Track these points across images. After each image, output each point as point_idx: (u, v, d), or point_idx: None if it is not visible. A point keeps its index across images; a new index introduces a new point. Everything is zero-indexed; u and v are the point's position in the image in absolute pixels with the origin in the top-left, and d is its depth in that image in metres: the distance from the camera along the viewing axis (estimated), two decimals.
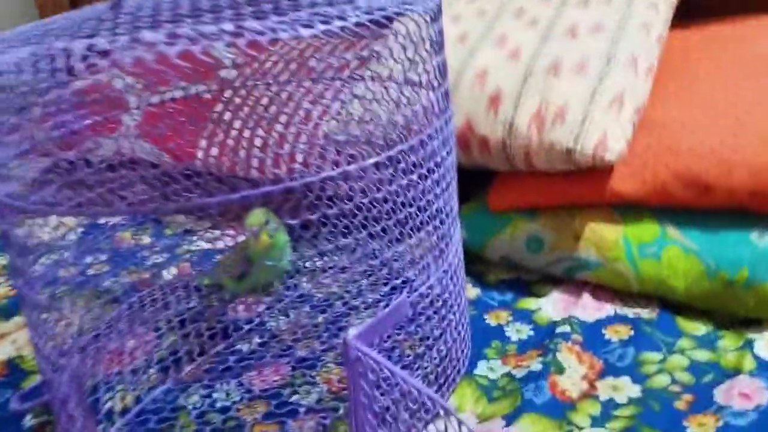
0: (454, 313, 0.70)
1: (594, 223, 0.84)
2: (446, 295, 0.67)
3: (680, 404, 0.68)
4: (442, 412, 0.51)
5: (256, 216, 0.73)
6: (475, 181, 0.98)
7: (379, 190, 0.62)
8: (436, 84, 0.61)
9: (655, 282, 0.80)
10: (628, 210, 0.84)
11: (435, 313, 0.68)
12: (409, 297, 0.60)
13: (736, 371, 0.71)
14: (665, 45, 0.96)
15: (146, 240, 1.04)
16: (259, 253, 0.74)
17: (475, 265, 0.92)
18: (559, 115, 0.83)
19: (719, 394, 0.68)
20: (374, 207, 0.66)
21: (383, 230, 0.75)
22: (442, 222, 0.67)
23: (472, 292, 0.87)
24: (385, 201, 0.68)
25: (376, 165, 0.57)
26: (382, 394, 0.59)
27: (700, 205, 0.81)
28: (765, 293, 0.75)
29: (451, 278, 0.69)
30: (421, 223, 0.65)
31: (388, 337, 0.76)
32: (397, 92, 0.67)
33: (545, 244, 0.86)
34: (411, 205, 0.63)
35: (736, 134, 0.81)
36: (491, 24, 0.96)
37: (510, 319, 0.82)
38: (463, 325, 0.73)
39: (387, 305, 0.69)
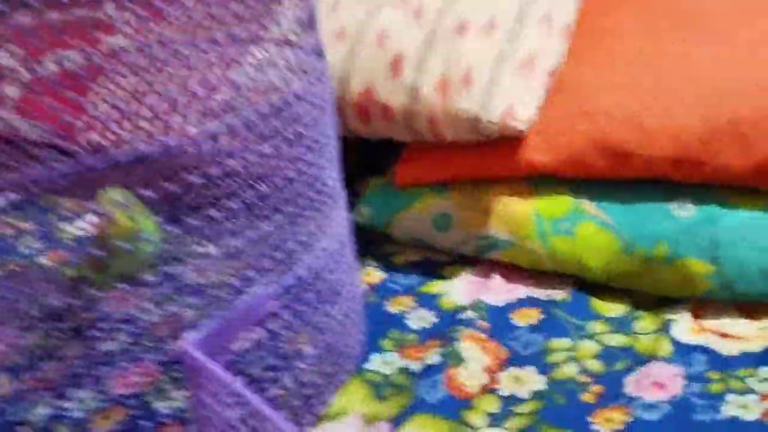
0: (337, 302, 0.62)
1: (505, 198, 0.77)
2: (324, 281, 0.60)
3: (587, 397, 0.61)
4: None
5: (110, 195, 0.64)
6: (381, 155, 0.91)
7: (228, 158, 0.54)
8: (294, 39, 0.53)
9: (569, 260, 0.74)
10: (541, 183, 0.77)
11: (316, 302, 0.61)
12: (268, 292, 0.53)
13: (651, 357, 0.64)
14: (584, 1, 0.89)
15: (26, 226, 0.95)
16: (116, 237, 0.66)
17: (384, 246, 0.85)
18: (465, 80, 0.75)
19: (630, 384, 0.62)
20: (227, 180, 0.58)
21: (248, 206, 0.67)
22: (318, 192, 0.60)
23: (376, 276, 0.80)
24: (238, 175, 0.60)
25: (215, 135, 0.49)
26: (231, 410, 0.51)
27: (619, 175, 0.74)
28: (685, 270, 0.69)
29: (335, 262, 0.61)
30: (289, 199, 0.57)
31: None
32: (238, 51, 0.59)
33: (454, 222, 0.79)
34: (270, 177, 0.56)
35: (658, 97, 0.74)
36: None
37: (413, 305, 0.74)
38: (350, 315, 0.65)
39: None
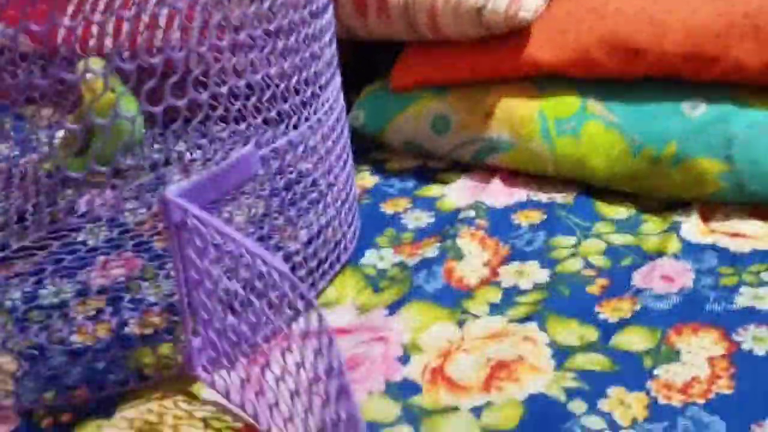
0: (329, 191, 0.59)
1: (507, 98, 0.73)
2: (317, 153, 0.56)
3: (593, 289, 0.58)
4: (300, 304, 0.40)
5: (89, 64, 0.59)
6: (379, 63, 0.86)
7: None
8: None
9: (574, 162, 0.70)
10: (546, 82, 0.73)
11: (312, 194, 0.57)
12: (260, 150, 0.49)
13: (659, 254, 0.61)
14: None
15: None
16: (94, 111, 0.61)
17: (376, 152, 0.81)
18: None
19: (638, 277, 0.59)
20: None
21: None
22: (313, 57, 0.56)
23: (370, 180, 0.76)
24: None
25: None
26: (227, 274, 0.47)
27: (628, 73, 0.70)
28: (695, 170, 0.66)
29: (329, 138, 0.58)
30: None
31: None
32: None
33: (453, 124, 0.75)
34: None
35: None
36: None
37: (409, 206, 0.71)
38: (344, 203, 0.61)
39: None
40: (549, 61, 0.72)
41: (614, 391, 0.49)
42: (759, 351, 0.51)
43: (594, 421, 0.47)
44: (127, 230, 0.69)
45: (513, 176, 0.74)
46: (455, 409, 0.49)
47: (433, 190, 0.73)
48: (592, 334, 0.54)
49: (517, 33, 0.73)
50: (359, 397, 0.50)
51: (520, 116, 0.73)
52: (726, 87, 0.68)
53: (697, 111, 0.68)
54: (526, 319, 0.55)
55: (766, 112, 0.66)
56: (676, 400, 0.48)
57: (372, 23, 0.77)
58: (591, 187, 0.71)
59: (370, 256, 0.64)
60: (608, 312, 0.56)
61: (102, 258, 0.65)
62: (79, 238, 0.68)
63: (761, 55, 0.66)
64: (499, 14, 0.69)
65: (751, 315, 0.54)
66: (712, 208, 0.67)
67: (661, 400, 0.48)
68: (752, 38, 0.67)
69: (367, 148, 0.81)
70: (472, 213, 0.68)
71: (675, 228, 0.64)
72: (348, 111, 0.82)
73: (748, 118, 0.66)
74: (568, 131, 0.71)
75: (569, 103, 0.72)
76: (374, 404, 0.49)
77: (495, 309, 0.57)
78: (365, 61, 0.87)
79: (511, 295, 0.58)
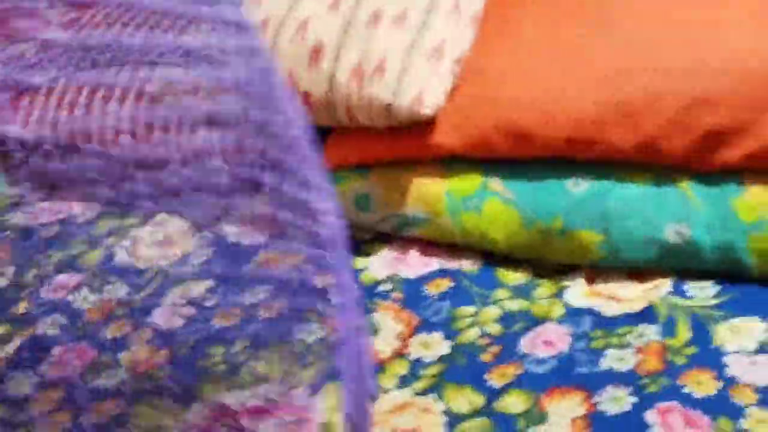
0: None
1: (419, 179, 0.84)
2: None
3: (486, 356, 0.69)
4: None
5: None
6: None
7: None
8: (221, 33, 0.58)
9: (477, 234, 0.81)
10: (451, 163, 0.84)
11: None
12: None
13: (545, 319, 0.72)
14: None
15: None
16: None
17: None
18: (378, 68, 0.81)
19: (525, 343, 0.70)
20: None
21: None
22: None
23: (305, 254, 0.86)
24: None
25: None
26: None
27: (521, 155, 0.81)
28: (578, 240, 0.77)
29: None
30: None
31: None
32: None
33: (373, 202, 0.86)
34: None
35: (556, 81, 0.81)
36: None
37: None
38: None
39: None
40: (453, 145, 0.82)
41: None
42: (612, 411, 0.62)
43: None
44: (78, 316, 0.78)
45: (428, 246, 0.84)
46: None
47: (359, 262, 0.84)
48: (480, 399, 0.64)
49: (427, 122, 0.83)
50: None
51: (430, 194, 0.83)
52: (604, 165, 0.79)
53: (578, 188, 0.79)
54: (428, 390, 0.66)
55: (638, 187, 0.77)
56: None
57: None
58: (494, 255, 0.82)
59: (299, 332, 0.74)
60: (495, 378, 0.67)
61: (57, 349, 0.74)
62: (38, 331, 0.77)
63: (631, 137, 0.77)
64: (404, 111, 0.80)
65: (611, 376, 0.65)
66: (597, 272, 0.78)
67: None
68: (624, 123, 0.77)
69: None
70: (390, 286, 0.78)
71: (561, 292, 0.75)
72: None
73: (623, 192, 0.77)
74: (472, 207, 0.81)
75: (472, 181, 0.82)
76: None
77: (402, 382, 0.67)
78: None
79: (416, 367, 0.69)
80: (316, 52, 0.84)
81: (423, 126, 0.83)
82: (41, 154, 1.03)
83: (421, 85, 0.80)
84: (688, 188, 0.76)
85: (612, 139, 0.78)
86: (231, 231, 0.91)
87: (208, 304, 0.79)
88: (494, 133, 0.81)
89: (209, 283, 0.83)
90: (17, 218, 0.99)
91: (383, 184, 0.86)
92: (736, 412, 0.60)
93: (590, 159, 0.79)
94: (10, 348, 0.75)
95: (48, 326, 0.78)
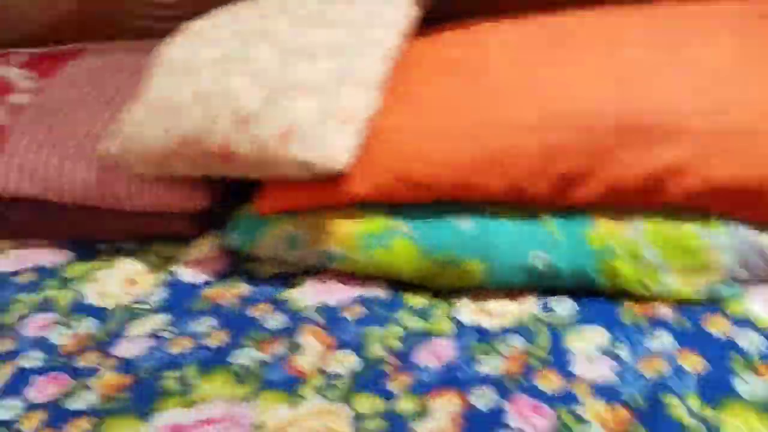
0: None
1: (338, 221, 1.01)
2: None
3: (388, 368, 0.87)
4: None
5: None
6: (250, 190, 1.13)
7: None
8: None
9: (386, 267, 0.99)
10: (364, 207, 1.01)
11: None
12: None
13: (439, 335, 0.90)
14: (404, 56, 1.13)
15: None
16: None
17: (250, 263, 1.08)
18: (296, 132, 0.98)
19: (418, 356, 0.87)
20: None
21: None
22: None
23: (245, 288, 1.03)
24: None
25: None
26: None
27: (418, 200, 0.99)
28: (466, 269, 0.95)
29: None
30: None
31: None
32: None
33: (301, 241, 1.03)
34: None
35: (442, 137, 0.99)
36: (244, 46, 1.09)
37: (270, 310, 0.98)
38: None
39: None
40: (363, 193, 1.00)
41: None
42: (481, 406, 0.79)
43: None
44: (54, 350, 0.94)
45: (347, 277, 1.02)
46: None
47: (289, 293, 1.01)
48: (380, 403, 0.82)
49: (341, 174, 1.00)
50: None
51: (347, 235, 1.00)
52: (483, 205, 0.97)
53: (465, 225, 0.97)
54: (340, 398, 0.83)
55: (510, 223, 0.96)
56: None
57: (234, 169, 1.03)
58: (400, 283, 0.99)
59: (238, 356, 0.91)
60: (394, 384, 0.84)
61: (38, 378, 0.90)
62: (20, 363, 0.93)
63: (501, 183, 0.95)
64: (319, 167, 0.97)
65: (484, 379, 0.82)
66: (481, 293, 0.96)
67: None
68: (493, 172, 0.95)
69: (242, 262, 1.08)
70: (314, 314, 0.95)
71: (453, 312, 0.93)
72: (222, 227, 1.09)
73: (499, 228, 0.95)
74: (381, 245, 0.98)
75: (381, 222, 1.00)
76: None
77: (319, 391, 0.84)
78: (235, 191, 1.14)
79: (331, 379, 0.86)
80: (244, 120, 1.01)
81: (338, 178, 1.01)
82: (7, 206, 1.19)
83: (332, 146, 0.97)
84: (549, 222, 0.95)
85: (486, 184, 0.96)
86: (183, 271, 1.07)
87: (164, 335, 0.96)
88: (394, 182, 0.99)
89: (165, 316, 0.99)
90: None
91: (309, 226, 1.03)
92: (573, 401, 0.79)
93: (472, 200, 0.98)
94: (0, 380, 0.91)
95: (30, 359, 0.94)
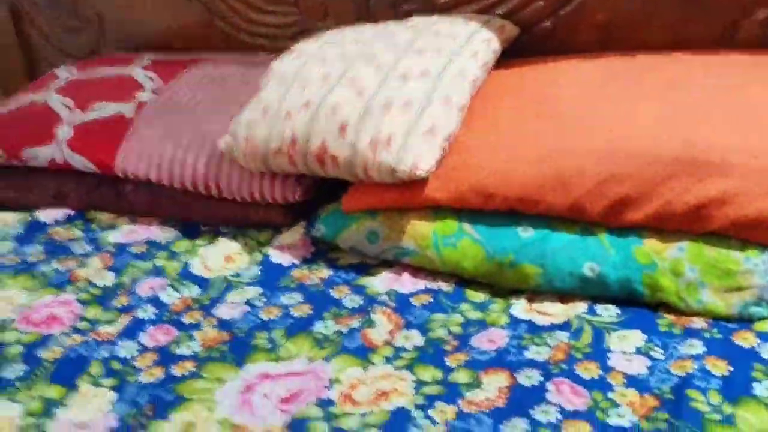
0: None
1: (414, 221, 1.17)
2: None
3: (447, 347, 1.01)
4: None
5: None
6: (336, 189, 1.30)
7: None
8: None
9: (453, 264, 1.14)
10: (438, 211, 1.17)
11: None
12: None
13: (493, 325, 1.04)
14: (485, 84, 1.29)
15: (77, 234, 1.35)
16: None
17: (332, 252, 1.24)
18: (388, 142, 1.15)
19: (474, 340, 1.02)
20: None
21: None
22: None
23: (327, 273, 1.20)
24: None
25: None
26: None
27: (486, 207, 1.14)
28: (523, 272, 1.09)
29: None
30: None
31: None
32: None
33: (380, 237, 1.19)
34: None
35: (514, 156, 1.14)
36: (347, 65, 1.27)
37: (348, 292, 1.14)
38: None
39: None
40: (440, 199, 1.16)
41: (441, 405, 0.91)
42: (527, 384, 0.93)
43: (425, 424, 0.89)
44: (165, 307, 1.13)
45: (417, 270, 1.17)
46: (352, 414, 0.91)
47: (365, 280, 1.17)
48: (439, 374, 0.96)
49: (421, 180, 1.16)
50: (303, 407, 0.92)
51: (421, 233, 1.16)
52: (544, 218, 1.11)
53: (526, 233, 1.11)
54: (404, 367, 0.98)
55: (568, 235, 1.10)
56: (474, 411, 0.90)
57: (328, 170, 1.21)
58: (465, 279, 1.14)
59: (318, 326, 1.07)
60: (452, 361, 0.99)
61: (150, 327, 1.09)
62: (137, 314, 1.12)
63: (564, 200, 1.10)
64: (405, 173, 1.13)
65: (531, 363, 0.96)
66: (535, 294, 1.10)
67: (464, 409, 0.90)
68: (558, 190, 1.10)
69: (325, 250, 1.24)
70: (386, 298, 1.11)
71: (509, 308, 1.07)
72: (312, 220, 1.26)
73: (557, 239, 1.10)
74: (450, 244, 1.14)
75: (452, 225, 1.15)
76: (309, 410, 0.92)
77: (388, 361, 0.99)
78: (325, 189, 1.31)
79: (399, 352, 1.01)
80: (343, 128, 1.18)
81: (419, 183, 1.16)
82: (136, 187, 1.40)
83: (417, 156, 1.14)
84: (603, 238, 1.09)
85: (550, 201, 1.10)
86: (274, 253, 1.25)
87: (257, 304, 1.13)
88: (469, 192, 1.14)
89: (258, 289, 1.16)
90: (114, 237, 1.34)
91: (387, 224, 1.19)
92: (608, 388, 0.92)
93: (535, 213, 1.12)
94: (119, 326, 1.09)
95: (144, 312, 1.12)
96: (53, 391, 0.99)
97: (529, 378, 0.95)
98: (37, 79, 1.65)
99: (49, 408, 0.96)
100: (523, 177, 1.12)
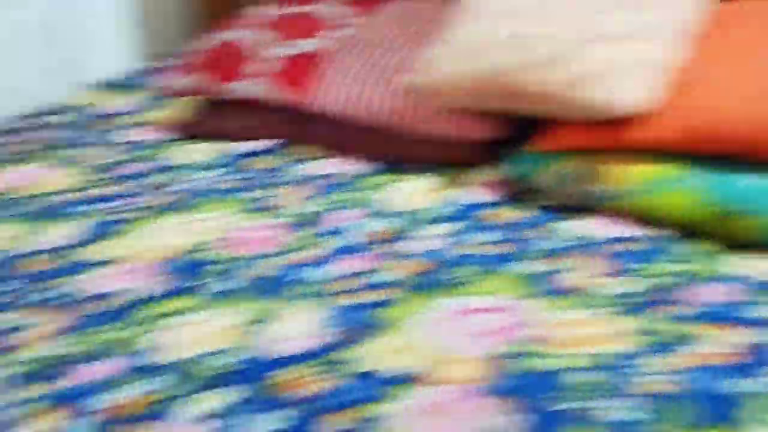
0: None
1: (619, 164, 1.11)
2: None
3: (647, 298, 0.96)
4: None
5: None
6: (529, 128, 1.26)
7: None
8: None
9: (662, 211, 1.07)
10: (647, 154, 1.10)
11: None
12: None
13: (704, 279, 0.98)
14: (713, 16, 1.19)
15: (276, 163, 1.40)
16: None
17: (526, 194, 1.21)
18: (594, 76, 1.09)
19: (679, 294, 0.96)
20: None
21: None
22: None
23: (518, 214, 1.17)
24: None
25: None
26: None
27: (708, 152, 1.06)
28: (744, 223, 1.01)
29: None
30: None
31: None
32: None
33: (579, 180, 1.14)
34: None
35: (746, 94, 1.04)
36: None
37: (542, 233, 1.11)
38: None
39: None
40: (654, 140, 1.07)
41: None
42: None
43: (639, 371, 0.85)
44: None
45: (617, 216, 1.11)
46: (559, 356, 0.88)
47: (559, 224, 1.13)
48: (635, 324, 0.91)
49: (632, 119, 1.09)
50: (503, 342, 0.90)
51: (632, 176, 1.09)
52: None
53: (748, 181, 1.02)
54: (607, 313, 0.94)
55: None
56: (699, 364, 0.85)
57: (526, 107, 1.17)
58: (667, 229, 1.07)
59: (518, 265, 1.05)
60: (659, 312, 0.93)
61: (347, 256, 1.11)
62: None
63: None
64: (611, 110, 1.07)
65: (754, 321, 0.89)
66: (744, 249, 1.01)
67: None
68: None
69: (519, 191, 1.22)
70: (582, 243, 1.06)
71: (718, 261, 1.00)
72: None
73: None
74: (665, 189, 1.06)
75: (667, 170, 1.07)
76: (508, 347, 0.90)
77: (588, 306, 0.95)
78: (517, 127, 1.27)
79: (598, 298, 0.97)
80: (552, 61, 1.13)
81: (628, 122, 1.09)
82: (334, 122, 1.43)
83: (626, 91, 1.07)
84: None
85: None
86: (463, 192, 1.24)
87: (453, 240, 1.12)
88: (689, 133, 1.05)
89: (451, 225, 1.16)
90: (312, 169, 1.38)
91: (586, 167, 1.13)
92: None
93: (762, 160, 1.02)
94: (320, 251, 1.12)
95: (343, 240, 1.15)
96: (259, 307, 1.03)
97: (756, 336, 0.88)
98: (240, 17, 1.71)
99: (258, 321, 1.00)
100: (756, 117, 1.02)
